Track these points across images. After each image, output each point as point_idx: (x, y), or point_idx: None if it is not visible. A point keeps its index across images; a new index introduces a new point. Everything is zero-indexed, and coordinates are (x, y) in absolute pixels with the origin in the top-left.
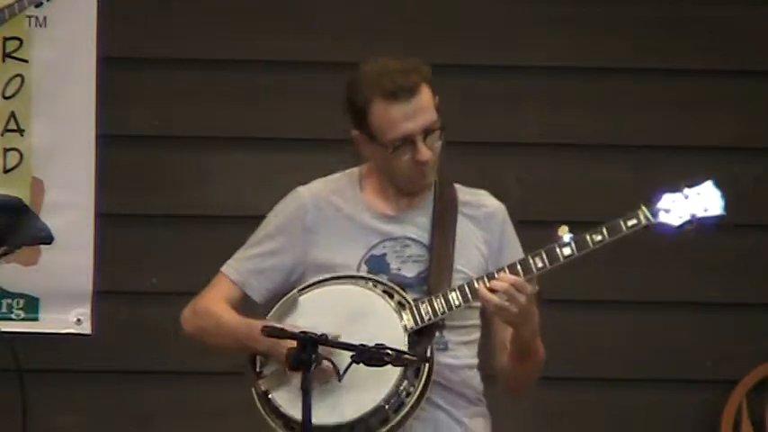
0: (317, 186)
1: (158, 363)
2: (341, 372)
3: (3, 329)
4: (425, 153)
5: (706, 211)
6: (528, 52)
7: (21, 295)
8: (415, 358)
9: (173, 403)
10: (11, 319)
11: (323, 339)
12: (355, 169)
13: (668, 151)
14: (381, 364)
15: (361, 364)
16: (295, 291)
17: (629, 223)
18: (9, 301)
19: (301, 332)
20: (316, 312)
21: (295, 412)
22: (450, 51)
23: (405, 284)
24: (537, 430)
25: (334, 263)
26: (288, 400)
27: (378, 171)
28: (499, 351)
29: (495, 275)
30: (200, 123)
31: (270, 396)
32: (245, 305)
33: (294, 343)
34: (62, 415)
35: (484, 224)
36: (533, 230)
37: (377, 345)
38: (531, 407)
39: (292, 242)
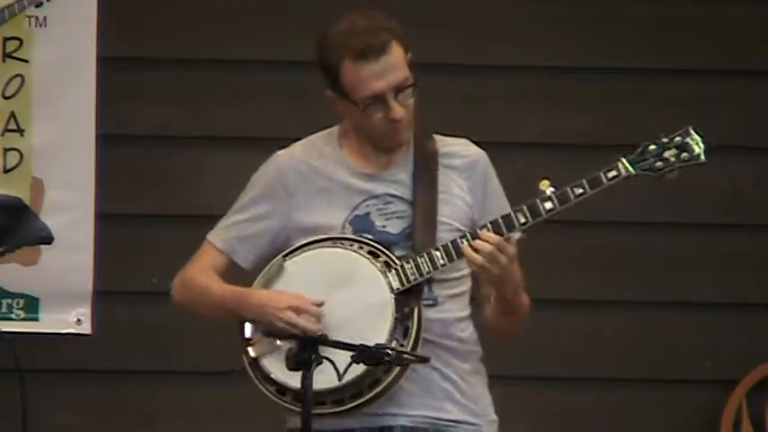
0: (297, 149)
1: (158, 363)
2: (341, 372)
3: (3, 329)
4: (398, 111)
5: (686, 157)
6: (528, 52)
7: (21, 295)
8: (414, 358)
9: (173, 403)
10: (11, 319)
11: (323, 339)
12: (334, 128)
13: None
14: (381, 363)
15: (348, 326)
16: (279, 256)
17: (610, 175)
18: (9, 301)
19: (301, 332)
20: (301, 278)
21: (286, 378)
22: (450, 51)
23: (390, 242)
24: (537, 430)
25: (319, 225)
26: (278, 367)
27: (354, 129)
28: (484, 304)
29: (479, 233)
30: (201, 123)
31: (261, 363)
32: (232, 272)
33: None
34: (62, 415)
35: (466, 173)
36: (532, 230)
37: (377, 345)
38: (531, 407)
39: (276, 207)
